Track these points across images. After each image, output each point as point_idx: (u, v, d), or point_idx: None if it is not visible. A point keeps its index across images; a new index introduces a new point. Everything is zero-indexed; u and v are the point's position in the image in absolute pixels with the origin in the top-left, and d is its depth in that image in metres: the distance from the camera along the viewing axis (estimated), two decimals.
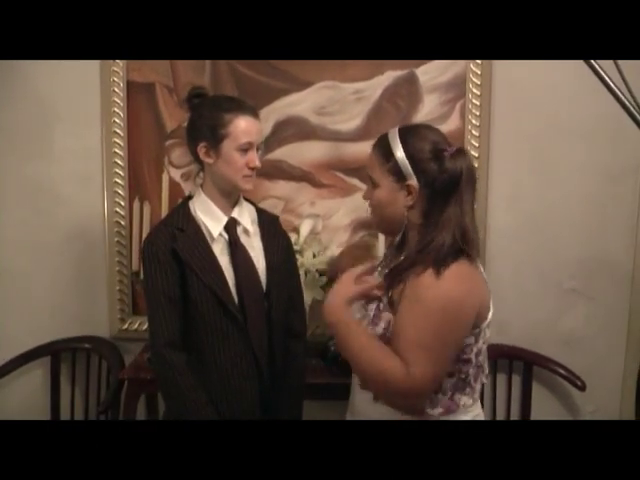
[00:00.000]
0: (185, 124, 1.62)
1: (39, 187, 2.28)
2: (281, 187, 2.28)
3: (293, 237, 2.02)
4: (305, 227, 2.11)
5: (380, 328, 1.33)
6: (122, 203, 2.28)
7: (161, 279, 1.52)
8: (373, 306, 1.36)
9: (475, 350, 1.33)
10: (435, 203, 1.31)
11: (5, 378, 2.29)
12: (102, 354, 2.32)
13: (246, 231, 1.62)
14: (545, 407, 2.35)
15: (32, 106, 2.24)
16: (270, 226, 1.69)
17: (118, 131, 2.24)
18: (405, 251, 1.39)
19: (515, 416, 2.34)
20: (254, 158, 1.54)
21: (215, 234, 1.57)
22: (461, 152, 1.31)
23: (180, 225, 1.56)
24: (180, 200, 1.70)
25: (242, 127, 1.51)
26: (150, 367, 1.90)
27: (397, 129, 1.37)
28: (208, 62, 2.21)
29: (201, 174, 1.63)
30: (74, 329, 2.32)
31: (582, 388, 2.21)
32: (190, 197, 1.65)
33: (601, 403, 2.34)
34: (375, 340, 1.31)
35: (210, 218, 1.58)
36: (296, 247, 2.02)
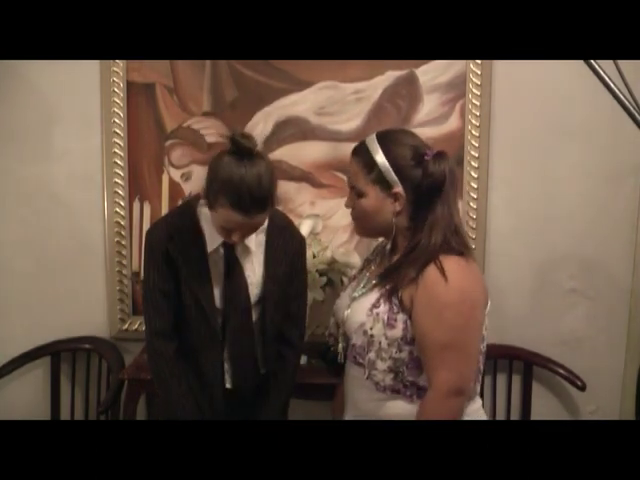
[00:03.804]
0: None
1: (39, 187, 2.28)
2: (281, 187, 2.25)
3: None
4: (305, 227, 2.10)
5: (399, 330, 1.33)
6: (122, 203, 2.27)
7: (154, 272, 1.55)
8: (384, 309, 1.34)
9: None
10: (421, 206, 1.34)
11: (5, 378, 2.29)
12: (102, 354, 2.31)
13: (246, 248, 1.56)
14: (545, 407, 2.35)
15: (32, 106, 2.23)
16: (279, 235, 1.61)
17: (118, 131, 2.23)
18: (396, 254, 1.42)
19: (515, 416, 2.34)
20: (235, 238, 1.46)
21: (210, 249, 1.54)
22: (442, 155, 1.34)
23: (180, 227, 1.55)
24: (189, 196, 1.66)
25: (224, 216, 1.42)
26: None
27: (374, 136, 1.39)
28: (208, 62, 2.20)
29: None
30: (74, 329, 2.32)
31: (582, 388, 2.21)
32: (199, 196, 1.56)
33: (601, 403, 2.34)
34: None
35: (210, 230, 1.53)
36: None
